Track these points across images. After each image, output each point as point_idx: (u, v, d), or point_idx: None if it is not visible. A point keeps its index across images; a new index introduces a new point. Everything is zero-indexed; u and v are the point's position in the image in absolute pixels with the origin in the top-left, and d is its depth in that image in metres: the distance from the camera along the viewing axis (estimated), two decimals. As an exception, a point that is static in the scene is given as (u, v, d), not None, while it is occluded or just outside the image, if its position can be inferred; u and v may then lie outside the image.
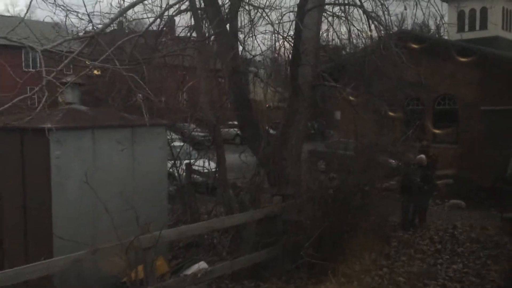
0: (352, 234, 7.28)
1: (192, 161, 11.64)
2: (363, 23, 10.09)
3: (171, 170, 11.94)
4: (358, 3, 9.16)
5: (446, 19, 27.23)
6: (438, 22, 48.87)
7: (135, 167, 6.94)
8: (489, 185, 13.06)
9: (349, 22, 9.84)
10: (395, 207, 11.45)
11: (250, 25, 9.01)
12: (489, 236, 9.12)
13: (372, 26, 9.55)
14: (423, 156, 10.29)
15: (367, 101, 11.64)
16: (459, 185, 14.08)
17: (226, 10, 9.05)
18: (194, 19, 9.04)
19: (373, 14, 9.75)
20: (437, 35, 28.59)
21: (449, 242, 8.90)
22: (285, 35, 8.49)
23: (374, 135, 12.03)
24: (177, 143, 17.21)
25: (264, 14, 8.36)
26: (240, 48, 9.24)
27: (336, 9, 9.88)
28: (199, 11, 9.06)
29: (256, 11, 8.66)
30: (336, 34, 10.15)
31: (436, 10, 9.85)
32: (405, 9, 10.48)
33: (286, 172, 8.63)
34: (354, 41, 10.40)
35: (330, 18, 9.76)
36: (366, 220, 7.75)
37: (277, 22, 8.47)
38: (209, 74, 9.09)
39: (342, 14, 9.67)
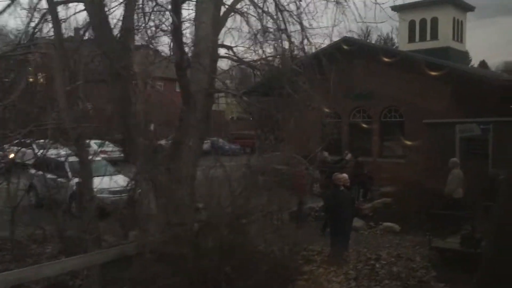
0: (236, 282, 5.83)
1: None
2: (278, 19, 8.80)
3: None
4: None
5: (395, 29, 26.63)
6: (387, 34, 49.07)
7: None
8: (430, 205, 11.91)
9: (262, 21, 8.55)
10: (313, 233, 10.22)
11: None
12: (413, 270, 7.87)
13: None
14: (345, 175, 9.00)
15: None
16: (399, 205, 12.90)
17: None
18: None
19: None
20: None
21: (367, 278, 7.60)
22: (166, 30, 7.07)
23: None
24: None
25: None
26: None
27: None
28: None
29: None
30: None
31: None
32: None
33: (177, 196, 7.20)
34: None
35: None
36: (254, 260, 6.34)
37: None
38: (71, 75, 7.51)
39: (251, 11, 8.38)
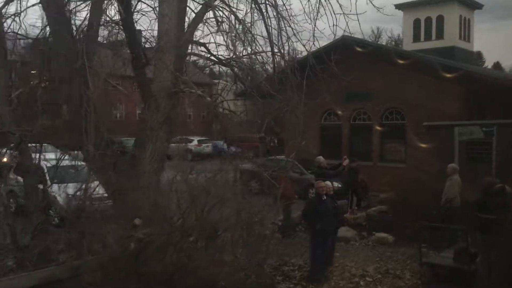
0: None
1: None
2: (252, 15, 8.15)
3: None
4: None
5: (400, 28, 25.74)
6: (398, 35, 47.88)
7: None
8: (427, 214, 11.09)
9: (237, 17, 7.91)
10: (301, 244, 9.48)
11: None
12: (400, 289, 7.11)
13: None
14: (328, 183, 8.25)
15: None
16: (395, 213, 12.08)
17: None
18: None
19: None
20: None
21: (348, 299, 6.85)
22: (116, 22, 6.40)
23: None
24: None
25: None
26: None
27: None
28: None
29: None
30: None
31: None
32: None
33: (138, 206, 6.53)
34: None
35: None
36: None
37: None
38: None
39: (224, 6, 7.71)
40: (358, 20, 8.25)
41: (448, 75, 15.69)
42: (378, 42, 45.94)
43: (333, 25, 8.56)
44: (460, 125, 11.30)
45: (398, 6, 23.24)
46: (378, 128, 17.56)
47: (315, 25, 9.12)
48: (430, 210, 10.76)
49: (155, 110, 6.69)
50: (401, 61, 16.46)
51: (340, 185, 12.98)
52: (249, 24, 8.48)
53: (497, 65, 63.63)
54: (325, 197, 7.68)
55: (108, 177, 6.48)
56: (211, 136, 39.87)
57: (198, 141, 31.99)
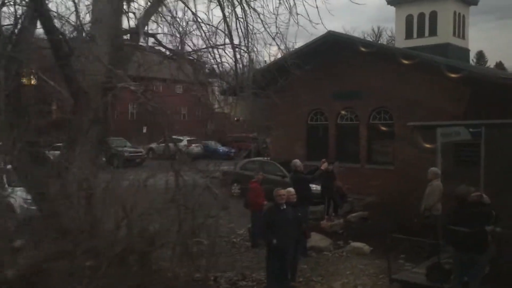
0: None
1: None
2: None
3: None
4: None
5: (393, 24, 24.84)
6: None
7: None
8: (408, 222, 10.28)
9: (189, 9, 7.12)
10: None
11: None
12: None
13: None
14: (290, 189, 7.43)
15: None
16: (376, 220, 11.29)
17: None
18: None
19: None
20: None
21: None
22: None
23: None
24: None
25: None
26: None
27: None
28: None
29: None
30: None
31: None
32: None
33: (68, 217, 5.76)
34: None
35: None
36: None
37: None
38: None
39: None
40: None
41: (439, 72, 14.90)
42: (379, 42, 45.34)
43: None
44: (443, 125, 10.45)
45: (390, 2, 22.41)
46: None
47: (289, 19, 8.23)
48: (411, 217, 9.98)
49: (86, 107, 5.90)
50: (390, 58, 15.67)
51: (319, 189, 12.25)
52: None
53: (499, 65, 62.68)
54: (284, 206, 6.86)
55: (31, 181, 5.70)
56: (204, 136, 39.17)
57: (188, 141, 31.17)
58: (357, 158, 17.16)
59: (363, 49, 16.21)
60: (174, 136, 30.01)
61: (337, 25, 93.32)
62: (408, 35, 21.75)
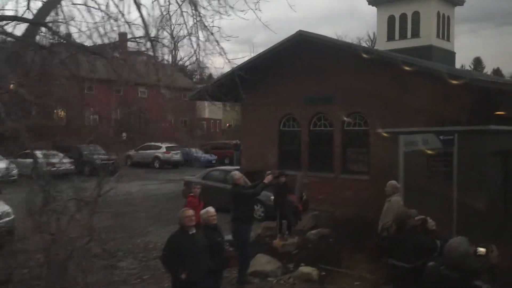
0: None
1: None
2: None
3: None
4: None
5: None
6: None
7: None
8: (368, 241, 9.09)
9: None
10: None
11: None
12: None
13: None
14: (210, 209, 6.22)
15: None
16: (340, 238, 10.10)
17: None
18: None
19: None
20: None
21: None
22: None
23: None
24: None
25: None
26: None
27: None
28: None
29: None
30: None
31: None
32: None
33: None
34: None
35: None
36: None
37: None
38: None
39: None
40: None
41: (415, 74, 13.80)
42: (374, 47, 43.83)
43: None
44: (411, 133, 9.29)
45: (372, 2, 21.37)
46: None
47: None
48: (373, 237, 8.78)
49: None
50: (364, 60, 14.55)
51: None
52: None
53: (497, 72, 61.83)
54: (194, 231, 5.65)
55: None
56: (186, 142, 37.97)
57: (167, 148, 29.99)
58: (331, 167, 16.01)
59: (335, 49, 15.17)
60: (152, 143, 28.60)
61: (331, 31, 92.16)
62: (390, 37, 20.69)
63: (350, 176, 15.46)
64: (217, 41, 7.14)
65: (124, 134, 34.64)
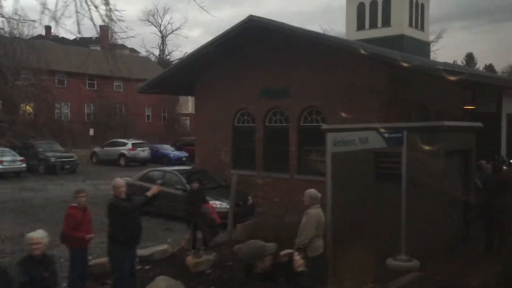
0: None
1: None
2: None
3: None
4: None
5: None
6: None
7: None
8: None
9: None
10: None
11: None
12: None
13: None
14: (39, 232, 4.74)
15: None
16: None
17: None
18: None
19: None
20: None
21: None
22: None
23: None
24: None
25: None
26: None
27: None
28: None
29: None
30: None
31: None
32: None
33: None
34: None
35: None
36: None
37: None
38: None
39: None
40: None
41: (376, 66, 12.40)
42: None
43: None
44: (340, 130, 7.87)
45: (341, -11, 19.91)
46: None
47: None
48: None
49: None
50: (325, 49, 13.13)
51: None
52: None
53: (489, 67, 60.87)
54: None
55: None
56: (158, 139, 36.47)
57: (133, 144, 28.45)
58: (287, 167, 14.57)
59: (290, 36, 13.69)
60: (118, 139, 26.85)
61: (328, 27, 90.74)
62: (360, 26, 19.27)
63: (306, 177, 13.96)
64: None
65: (91, 130, 33.04)
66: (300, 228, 6.35)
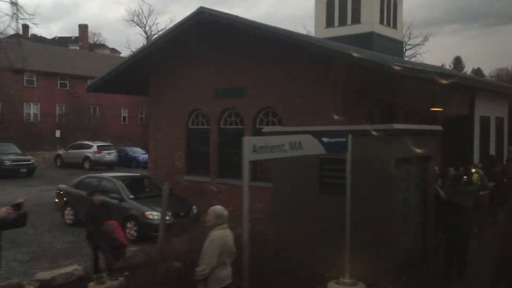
0: None
1: None
2: None
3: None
4: None
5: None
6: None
7: None
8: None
9: None
10: None
11: None
12: None
13: None
14: None
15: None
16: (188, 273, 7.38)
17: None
18: None
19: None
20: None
21: None
22: None
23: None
24: None
25: None
26: None
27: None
28: None
29: None
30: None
31: None
32: None
33: None
34: None
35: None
36: None
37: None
38: None
39: None
40: None
41: (333, 65, 11.27)
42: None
43: None
44: (277, 133, 6.72)
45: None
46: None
47: None
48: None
49: None
50: (283, 46, 11.97)
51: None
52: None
53: (477, 71, 60.57)
54: None
55: None
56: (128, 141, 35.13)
57: (98, 147, 27.07)
58: (240, 173, 13.34)
59: (245, 32, 12.51)
60: (84, 142, 25.19)
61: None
62: (329, 23, 18.19)
63: (261, 183, 12.80)
64: None
65: (58, 132, 31.56)
66: (201, 254, 5.15)
